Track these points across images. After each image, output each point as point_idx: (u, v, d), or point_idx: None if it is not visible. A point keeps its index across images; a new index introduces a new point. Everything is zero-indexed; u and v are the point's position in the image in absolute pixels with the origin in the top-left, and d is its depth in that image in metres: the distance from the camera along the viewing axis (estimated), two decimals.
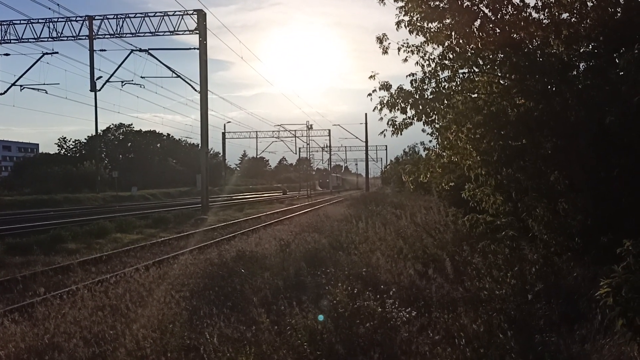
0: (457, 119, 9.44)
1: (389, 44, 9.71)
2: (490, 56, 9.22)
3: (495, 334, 5.23)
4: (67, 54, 55.34)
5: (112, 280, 8.27)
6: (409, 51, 9.62)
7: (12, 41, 30.80)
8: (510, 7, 8.98)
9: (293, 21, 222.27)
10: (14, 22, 30.55)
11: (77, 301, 7.11)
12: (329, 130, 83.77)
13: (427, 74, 9.52)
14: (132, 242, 17.36)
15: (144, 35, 30.13)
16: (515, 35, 8.95)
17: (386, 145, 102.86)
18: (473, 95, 9.76)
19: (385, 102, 9.43)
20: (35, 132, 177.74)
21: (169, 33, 30.15)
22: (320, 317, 5.61)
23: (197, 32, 29.80)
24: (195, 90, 31.20)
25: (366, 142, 71.17)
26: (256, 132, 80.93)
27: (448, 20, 9.01)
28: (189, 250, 14.13)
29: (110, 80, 33.40)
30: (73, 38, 30.60)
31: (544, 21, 9.06)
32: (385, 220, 14.66)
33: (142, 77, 35.16)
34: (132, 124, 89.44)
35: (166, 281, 8.31)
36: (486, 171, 9.34)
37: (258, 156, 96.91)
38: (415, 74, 9.53)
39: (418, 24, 9.24)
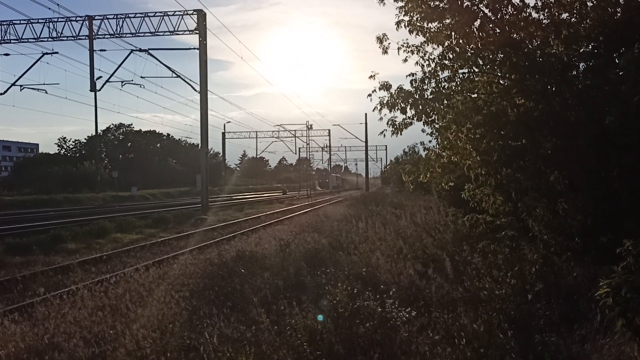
0: (457, 119, 9.44)
1: (389, 44, 9.72)
2: (490, 56, 9.22)
3: (495, 334, 5.23)
4: (67, 54, 55.50)
5: (112, 280, 8.27)
6: (408, 51, 9.62)
7: (12, 41, 30.83)
8: (510, 7, 8.99)
9: (293, 21, 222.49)
10: (13, 22, 30.58)
11: (77, 301, 7.11)
12: (329, 130, 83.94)
13: (427, 74, 9.52)
14: (132, 242, 17.36)
15: (143, 35, 30.19)
16: (515, 35, 8.95)
17: (386, 145, 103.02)
18: (473, 95, 9.76)
19: (385, 102, 9.43)
20: (35, 132, 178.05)
21: (168, 33, 30.21)
22: (320, 317, 5.60)
23: (197, 32, 29.81)
24: (195, 90, 31.26)
25: (366, 142, 71.26)
26: (256, 132, 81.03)
27: (448, 20, 9.02)
28: (188, 250, 14.13)
29: (110, 80, 33.47)
30: (73, 38, 30.61)
31: (544, 21, 9.06)
32: (385, 220, 14.66)
33: (142, 77, 35.32)
34: (132, 124, 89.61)
35: (166, 281, 8.31)
36: (486, 171, 9.35)
37: (258, 156, 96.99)
38: (415, 74, 9.55)
39: (418, 24, 9.24)
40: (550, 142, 8.89)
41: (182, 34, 34.79)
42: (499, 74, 9.48)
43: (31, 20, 30.46)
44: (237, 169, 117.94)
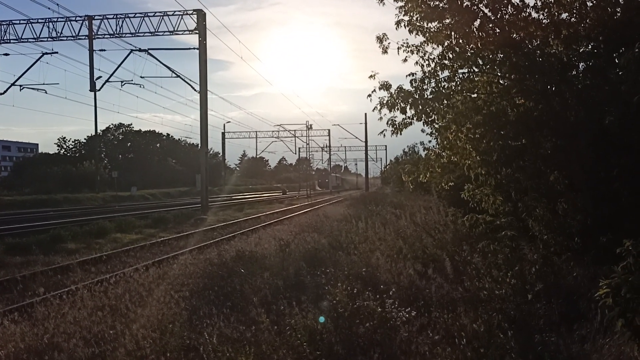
0: (457, 118, 9.44)
1: (388, 43, 9.72)
2: (490, 56, 9.22)
3: (495, 334, 5.23)
4: (66, 54, 55.09)
5: (111, 280, 8.25)
6: (408, 51, 9.62)
7: (11, 41, 30.82)
8: (509, 7, 8.98)
9: (293, 21, 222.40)
10: (13, 22, 30.58)
11: (76, 301, 7.10)
12: (329, 130, 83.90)
13: (427, 74, 9.52)
14: (132, 242, 17.36)
15: (143, 35, 30.18)
16: (514, 35, 8.95)
17: (386, 145, 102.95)
18: (473, 95, 9.77)
19: (384, 102, 9.43)
20: (35, 132, 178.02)
21: (168, 33, 30.20)
22: (321, 319, 5.60)
23: (197, 32, 29.81)
24: (195, 90, 31.26)
25: (366, 142, 71.24)
26: (256, 132, 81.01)
27: (448, 20, 9.02)
28: (188, 250, 14.12)
29: (109, 80, 33.43)
30: (73, 38, 30.61)
31: (544, 21, 9.06)
32: (385, 220, 14.66)
33: (141, 77, 35.33)
34: (131, 124, 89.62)
35: (166, 281, 8.31)
36: (486, 171, 9.35)
37: (258, 156, 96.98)
38: (415, 73, 9.54)
39: (418, 23, 9.24)
40: (550, 142, 8.89)
41: (182, 34, 34.85)
42: (499, 74, 9.48)
43: (31, 20, 30.47)
44: (237, 169, 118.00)
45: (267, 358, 4.98)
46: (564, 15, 9.12)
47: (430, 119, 9.61)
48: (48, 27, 30.25)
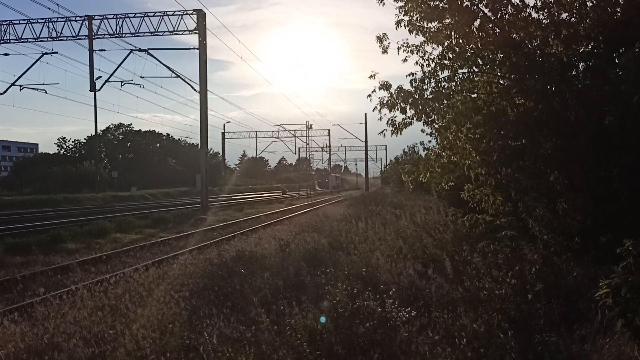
0: (457, 118, 9.44)
1: (388, 43, 9.73)
2: (490, 56, 9.22)
3: (495, 334, 5.23)
4: (66, 54, 54.94)
5: (111, 280, 8.25)
6: (408, 51, 9.63)
7: (11, 41, 30.81)
8: (509, 7, 8.99)
9: (293, 21, 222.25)
10: (13, 22, 30.57)
11: (76, 301, 7.09)
12: (329, 130, 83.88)
13: (427, 74, 9.52)
14: (132, 242, 17.36)
15: (143, 35, 30.18)
16: (514, 35, 8.96)
17: (386, 145, 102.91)
18: (473, 95, 9.77)
19: (384, 102, 9.43)
20: (35, 132, 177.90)
21: (168, 33, 30.20)
22: (322, 319, 5.60)
23: (197, 32, 29.81)
24: (195, 90, 31.26)
25: (366, 142, 71.25)
26: (256, 132, 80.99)
27: (447, 20, 9.02)
28: (188, 250, 14.12)
29: (109, 80, 33.42)
30: (72, 38, 30.60)
31: (544, 21, 9.06)
32: (385, 220, 14.66)
33: (141, 77, 35.27)
34: (131, 124, 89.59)
35: (166, 281, 8.31)
36: (486, 171, 9.35)
37: (258, 156, 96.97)
38: (415, 73, 9.55)
39: (417, 23, 9.24)
40: (550, 142, 8.89)
41: (182, 34, 34.84)
42: (499, 74, 9.48)
43: (31, 20, 30.47)
44: (237, 169, 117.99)
45: (267, 358, 4.98)
46: (564, 15, 9.12)
47: (430, 119, 9.62)
48: (48, 27, 30.28)
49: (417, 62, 9.60)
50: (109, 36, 30.41)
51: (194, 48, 30.49)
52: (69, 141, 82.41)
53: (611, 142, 8.02)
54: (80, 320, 6.22)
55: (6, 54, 32.50)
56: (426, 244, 9.92)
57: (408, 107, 9.30)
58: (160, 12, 29.97)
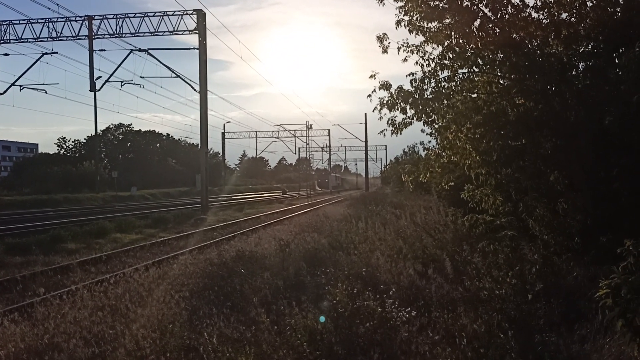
0: (457, 118, 9.45)
1: (388, 43, 9.73)
2: (490, 56, 9.22)
3: (495, 334, 5.23)
4: (66, 54, 55.02)
5: (111, 280, 8.25)
6: (408, 51, 9.64)
7: (11, 41, 30.84)
8: (509, 7, 8.99)
9: (293, 21, 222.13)
10: (13, 22, 30.58)
11: (76, 301, 7.09)
12: (329, 130, 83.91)
13: (427, 74, 9.53)
14: (132, 242, 17.36)
15: (143, 35, 30.20)
16: (514, 35, 8.96)
17: (386, 145, 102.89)
18: (473, 95, 9.78)
19: (385, 102, 9.44)
20: (35, 132, 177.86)
21: (168, 33, 30.22)
22: (322, 319, 5.60)
23: (197, 32, 29.82)
24: (195, 90, 31.27)
25: (366, 142, 71.26)
26: (256, 132, 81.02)
27: (448, 20, 9.02)
28: (188, 250, 14.12)
29: (109, 80, 33.47)
30: (72, 38, 30.61)
31: (544, 21, 9.07)
32: (385, 220, 14.65)
33: (141, 77, 35.32)
34: (131, 124, 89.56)
35: (166, 281, 8.30)
36: (486, 171, 9.35)
37: (258, 156, 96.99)
38: (415, 73, 9.56)
39: (418, 23, 9.25)
40: (550, 142, 8.89)
41: (182, 34, 34.87)
42: (499, 74, 9.48)
43: (31, 20, 30.48)
44: (237, 169, 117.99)
45: (267, 358, 4.98)
46: (564, 15, 9.13)
47: (430, 119, 9.62)
48: (48, 27, 30.30)
49: (417, 62, 9.62)
50: (109, 36, 30.44)
51: (194, 48, 30.56)
52: (69, 141, 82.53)
53: (611, 142, 8.02)
54: (80, 320, 6.22)
55: (6, 54, 32.59)
56: (426, 244, 9.91)
57: (408, 107, 9.31)
58: (160, 12, 30.04)
